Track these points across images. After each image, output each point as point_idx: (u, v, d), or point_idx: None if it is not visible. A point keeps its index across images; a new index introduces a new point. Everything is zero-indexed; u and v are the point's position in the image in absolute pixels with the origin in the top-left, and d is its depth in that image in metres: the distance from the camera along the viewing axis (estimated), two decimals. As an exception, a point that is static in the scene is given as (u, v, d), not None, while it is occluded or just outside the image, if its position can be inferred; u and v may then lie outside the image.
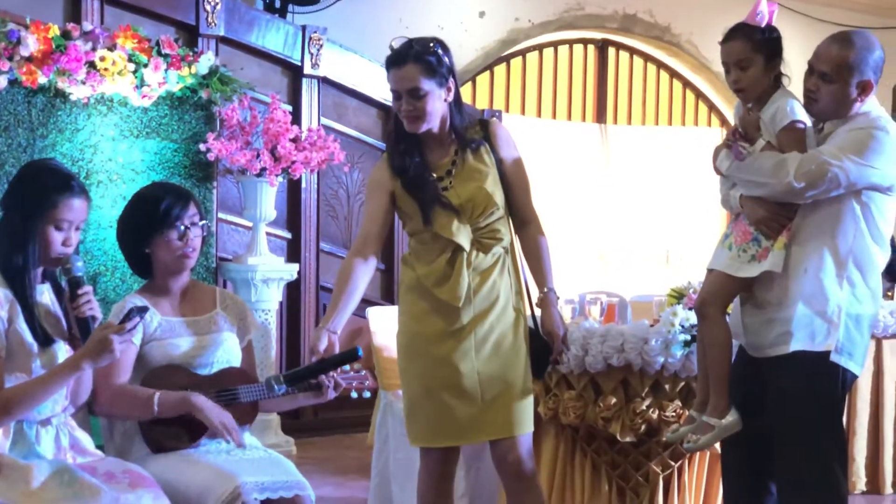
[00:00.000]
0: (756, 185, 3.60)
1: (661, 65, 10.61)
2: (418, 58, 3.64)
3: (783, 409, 3.63)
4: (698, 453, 4.74)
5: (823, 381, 3.61)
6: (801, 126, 3.61)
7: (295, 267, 7.03)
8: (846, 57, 3.56)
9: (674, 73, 10.67)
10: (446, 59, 3.69)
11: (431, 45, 3.68)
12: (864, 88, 3.58)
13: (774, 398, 3.66)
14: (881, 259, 3.65)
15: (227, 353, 3.71)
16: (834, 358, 3.58)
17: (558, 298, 3.87)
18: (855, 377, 3.68)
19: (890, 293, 6.44)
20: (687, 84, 10.73)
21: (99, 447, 3.50)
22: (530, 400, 3.79)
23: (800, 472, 3.62)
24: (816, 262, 3.58)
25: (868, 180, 3.53)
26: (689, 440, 3.77)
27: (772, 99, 3.64)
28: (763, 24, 3.61)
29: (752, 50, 3.61)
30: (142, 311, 3.30)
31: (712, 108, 10.72)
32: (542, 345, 3.81)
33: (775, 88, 3.66)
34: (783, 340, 3.60)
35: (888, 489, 6.02)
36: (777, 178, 3.51)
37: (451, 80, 3.71)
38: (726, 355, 3.70)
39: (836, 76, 3.56)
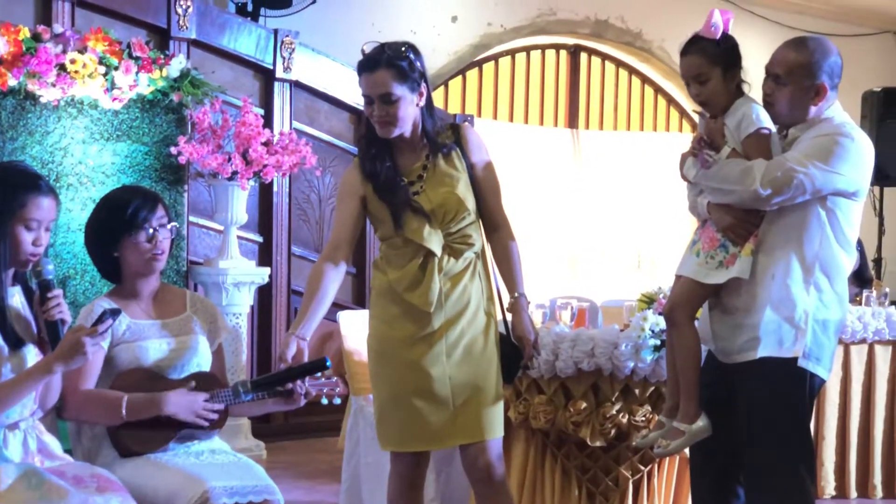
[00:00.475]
0: (723, 193, 3.62)
1: (632, 70, 10.65)
2: (390, 63, 3.64)
3: (751, 415, 3.65)
4: (668, 458, 4.76)
5: (791, 386, 3.63)
6: (766, 132, 3.63)
7: (266, 271, 7.01)
8: (799, 60, 3.60)
9: (645, 79, 10.71)
10: (418, 64, 3.69)
11: (403, 49, 3.68)
12: (818, 92, 3.61)
13: (742, 403, 3.68)
14: (847, 264, 3.68)
15: (200, 357, 3.70)
16: (802, 363, 3.60)
17: (529, 303, 3.88)
18: (822, 382, 3.71)
19: (858, 298, 6.48)
20: (658, 90, 10.78)
21: (67, 451, 3.47)
22: (500, 405, 3.80)
23: (768, 478, 3.64)
24: (784, 268, 3.60)
25: (833, 186, 3.56)
26: (659, 445, 3.78)
27: (735, 106, 3.66)
28: (718, 36, 3.63)
29: (710, 63, 3.64)
30: (115, 313, 3.29)
31: (683, 113, 10.77)
32: (513, 350, 3.82)
33: (738, 95, 3.69)
34: (751, 346, 3.62)
35: (853, 493, 6.06)
36: (743, 185, 3.54)
37: (423, 84, 3.71)
38: (696, 361, 3.73)
39: (789, 79, 3.60)
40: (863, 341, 6.03)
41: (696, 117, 3.91)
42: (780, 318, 3.60)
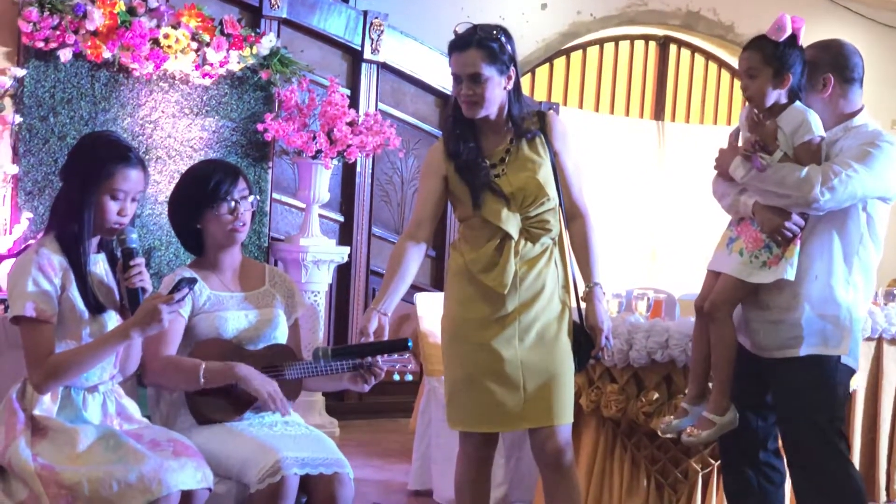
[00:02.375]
0: (777, 196, 3.71)
1: (722, 63, 10.54)
2: (481, 43, 3.67)
3: (793, 411, 3.80)
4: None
5: (834, 382, 3.79)
6: (818, 141, 3.74)
7: (346, 250, 7.08)
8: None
9: (736, 73, 10.57)
10: (509, 47, 3.72)
11: (495, 31, 3.71)
12: (826, 84, 3.81)
13: (782, 397, 3.83)
14: (877, 263, 3.86)
15: (277, 331, 3.75)
16: (844, 360, 3.78)
17: (604, 293, 3.88)
18: (854, 373, 3.90)
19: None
20: (748, 84, 10.65)
21: (146, 417, 3.56)
22: (571, 391, 3.81)
23: (820, 471, 3.78)
24: (826, 269, 3.75)
25: (878, 191, 3.74)
26: (689, 434, 3.91)
27: (789, 111, 3.75)
28: (782, 39, 3.70)
29: (761, 61, 3.73)
30: (190, 282, 3.35)
31: (772, 109, 10.62)
32: (585, 338, 3.84)
33: (790, 102, 3.76)
34: (795, 343, 3.76)
35: (883, 496, 5.97)
36: (801, 191, 3.65)
37: (511, 68, 3.73)
38: (732, 356, 3.84)
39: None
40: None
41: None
42: (823, 318, 3.75)
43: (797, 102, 3.75)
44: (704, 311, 3.89)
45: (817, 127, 3.72)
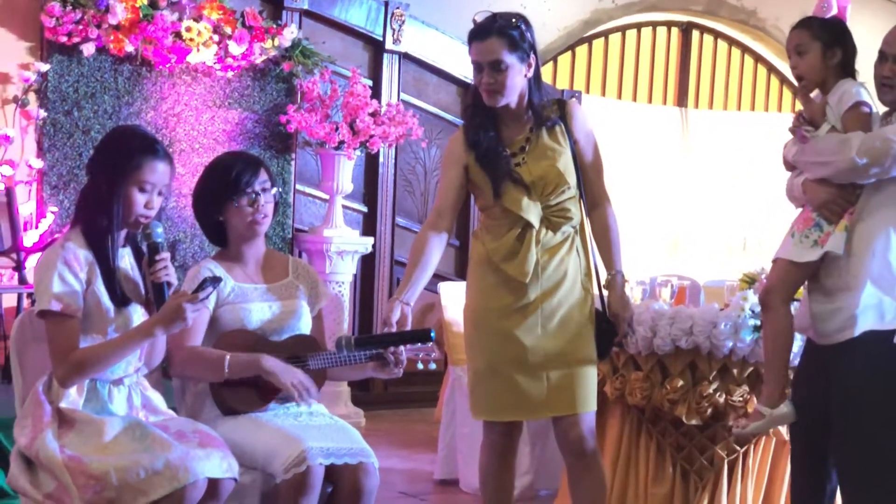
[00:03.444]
0: (820, 166, 3.60)
1: (745, 49, 10.49)
2: (501, 31, 3.67)
3: (850, 391, 3.59)
4: (764, 439, 4.72)
5: (889, 360, 3.57)
6: (867, 109, 3.61)
7: (370, 240, 7.10)
8: None
9: (759, 58, 10.55)
10: (529, 35, 3.72)
11: (515, 20, 3.71)
12: None
13: (840, 381, 3.62)
14: None
15: (301, 322, 3.77)
16: None
17: (626, 281, 3.88)
18: None
19: None
20: (772, 69, 10.60)
21: (172, 409, 3.58)
22: (594, 379, 3.81)
23: (868, 458, 3.59)
24: (884, 243, 3.58)
25: None
26: (737, 425, 3.82)
27: (838, 84, 3.65)
28: (827, 15, 3.64)
29: (811, 37, 3.65)
30: (215, 281, 3.37)
31: (797, 94, 10.56)
32: (608, 326, 3.83)
33: (842, 76, 3.66)
34: (849, 324, 3.58)
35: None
36: (841, 155, 3.52)
37: (532, 56, 3.73)
38: (786, 345, 3.72)
39: None
40: None
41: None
42: (881, 293, 3.56)
43: (848, 78, 3.66)
44: (759, 300, 3.81)
45: (861, 94, 3.61)
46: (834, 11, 3.66)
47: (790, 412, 3.71)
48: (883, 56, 3.63)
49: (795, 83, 3.81)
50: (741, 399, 4.58)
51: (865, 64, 3.76)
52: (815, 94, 3.78)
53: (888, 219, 3.58)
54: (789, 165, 3.79)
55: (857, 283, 3.58)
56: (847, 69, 3.68)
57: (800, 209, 3.79)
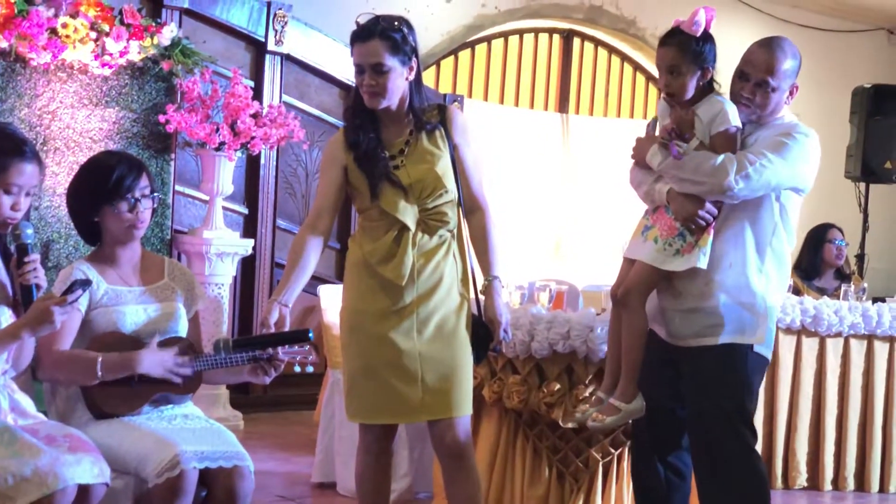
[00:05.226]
0: (693, 184, 3.77)
1: (625, 57, 10.64)
2: (384, 34, 3.67)
3: (703, 398, 3.83)
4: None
5: (745, 371, 3.84)
6: (735, 131, 3.81)
7: (250, 242, 7.04)
8: (788, 64, 3.82)
9: (638, 67, 10.71)
10: (411, 39, 3.73)
11: (397, 23, 3.72)
12: (792, 92, 3.87)
13: (694, 387, 3.87)
14: (790, 253, 3.94)
15: (177, 324, 3.73)
16: (758, 349, 3.84)
17: (503, 287, 3.90)
18: (767, 363, 3.97)
19: (836, 292, 6.54)
20: (650, 78, 10.77)
21: (42, 412, 3.51)
22: (469, 383, 3.83)
23: (724, 459, 3.82)
24: (741, 257, 3.80)
25: (791, 182, 3.80)
26: (594, 419, 3.97)
27: (707, 100, 3.83)
28: (699, 34, 3.78)
29: (686, 59, 3.80)
30: (84, 283, 3.31)
31: (674, 102, 10.75)
32: (484, 331, 3.85)
33: (708, 90, 3.84)
34: (711, 332, 3.81)
35: (827, 486, 6.13)
36: (715, 178, 3.70)
37: (413, 59, 3.74)
38: (641, 343, 3.91)
39: (778, 83, 3.80)
40: (838, 335, 6.10)
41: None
42: (739, 306, 3.80)
43: (714, 93, 3.83)
44: (617, 298, 3.94)
45: (734, 117, 3.78)
46: (703, 29, 3.79)
47: (642, 406, 3.92)
48: (744, 76, 3.87)
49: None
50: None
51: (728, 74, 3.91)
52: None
53: (745, 234, 3.82)
54: (643, 164, 3.94)
55: (711, 291, 3.80)
56: (712, 84, 3.86)
57: (652, 209, 3.97)
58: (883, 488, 6.22)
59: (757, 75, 3.81)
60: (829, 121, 9.97)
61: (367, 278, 3.78)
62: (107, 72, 6.55)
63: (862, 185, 9.16)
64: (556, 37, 10.35)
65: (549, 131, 10.28)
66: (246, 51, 7.50)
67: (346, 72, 7.62)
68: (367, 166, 3.74)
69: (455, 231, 3.85)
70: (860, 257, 9.07)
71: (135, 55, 6.57)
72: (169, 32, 6.68)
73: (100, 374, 3.46)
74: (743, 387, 3.84)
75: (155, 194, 3.69)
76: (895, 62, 11.28)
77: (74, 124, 6.55)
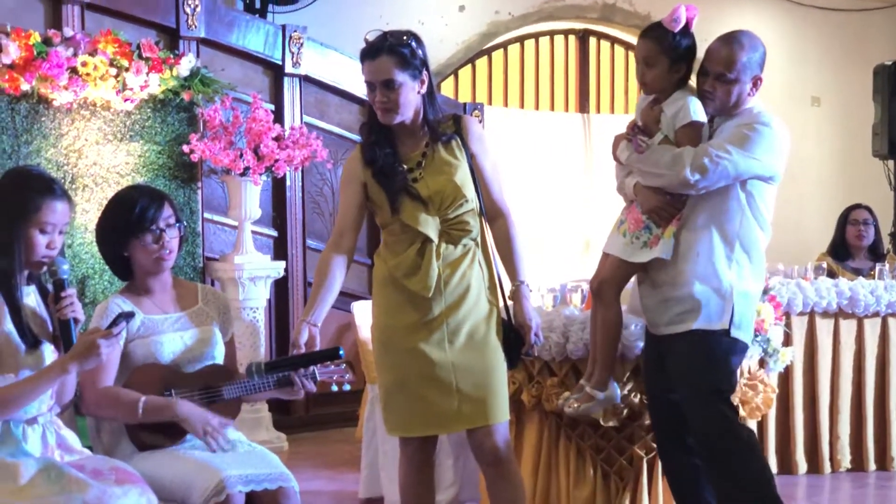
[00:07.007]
0: (654, 176, 3.92)
1: (642, 53, 10.63)
2: (392, 50, 3.70)
3: (684, 383, 4.03)
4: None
5: (718, 355, 4.01)
6: (699, 125, 3.93)
7: (282, 264, 7.09)
8: (745, 58, 3.92)
9: (655, 62, 10.70)
10: (420, 52, 3.75)
11: (405, 37, 3.74)
12: (756, 83, 3.96)
13: (676, 373, 4.05)
14: (764, 241, 4.06)
15: (214, 349, 3.76)
16: (733, 333, 3.99)
17: (531, 291, 3.93)
18: (747, 346, 4.13)
19: (872, 272, 6.51)
20: (668, 72, 10.77)
21: (87, 447, 3.55)
22: (505, 389, 3.85)
23: (713, 437, 4.02)
24: (707, 246, 3.95)
25: (753, 171, 3.90)
26: (569, 406, 4.26)
27: (673, 96, 3.96)
28: (677, 29, 3.91)
29: (660, 51, 3.94)
30: (128, 316, 3.37)
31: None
32: (515, 336, 3.88)
33: (679, 87, 3.97)
34: (682, 319, 3.99)
35: (872, 465, 6.10)
36: (674, 170, 3.84)
37: (424, 72, 3.77)
38: (615, 335, 4.15)
39: (737, 76, 3.92)
40: (876, 314, 6.08)
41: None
42: (708, 292, 3.94)
43: (681, 88, 3.95)
44: (592, 291, 4.15)
45: (696, 111, 3.90)
46: (682, 25, 3.90)
47: (615, 394, 4.23)
48: (704, 71, 4.00)
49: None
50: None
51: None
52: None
53: (712, 224, 3.95)
54: (619, 160, 4.10)
55: (682, 280, 3.96)
56: (686, 79, 3.99)
57: (627, 204, 4.15)
58: (927, 466, 6.19)
59: (715, 69, 3.93)
60: (850, 100, 9.94)
61: (394, 293, 3.81)
62: (129, 106, 6.62)
63: (891, 163, 9.11)
64: (571, 38, 10.38)
65: (572, 132, 10.29)
66: (264, 75, 7.54)
67: (364, 88, 7.62)
68: (385, 181, 3.77)
69: (479, 239, 3.88)
70: (894, 235, 9.01)
71: (155, 88, 6.64)
72: (187, 63, 6.74)
73: (141, 415, 3.50)
74: (717, 370, 4.00)
75: (180, 223, 3.73)
76: (914, 38, 11.22)
77: (101, 160, 6.61)
